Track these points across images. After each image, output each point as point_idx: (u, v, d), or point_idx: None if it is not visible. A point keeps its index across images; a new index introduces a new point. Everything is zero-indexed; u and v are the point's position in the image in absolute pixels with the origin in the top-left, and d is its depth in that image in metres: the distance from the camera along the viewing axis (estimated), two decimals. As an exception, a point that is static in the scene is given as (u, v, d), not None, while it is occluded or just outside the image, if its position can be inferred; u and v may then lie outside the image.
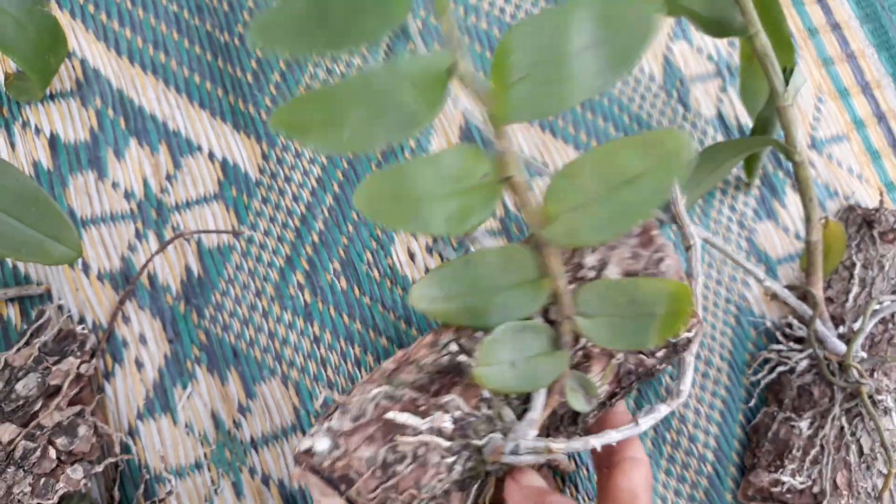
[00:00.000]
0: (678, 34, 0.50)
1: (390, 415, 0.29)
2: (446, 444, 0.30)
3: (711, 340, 0.44)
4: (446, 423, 0.30)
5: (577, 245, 0.34)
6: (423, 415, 0.30)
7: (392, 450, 0.29)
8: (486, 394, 0.32)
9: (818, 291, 0.42)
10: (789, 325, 0.44)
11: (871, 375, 0.41)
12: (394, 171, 0.33)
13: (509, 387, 0.31)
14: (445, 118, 0.44)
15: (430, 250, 0.41)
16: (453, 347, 0.33)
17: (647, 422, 0.32)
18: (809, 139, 0.50)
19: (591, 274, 0.35)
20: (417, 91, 0.32)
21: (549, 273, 0.32)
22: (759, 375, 0.43)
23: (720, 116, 0.49)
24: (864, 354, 0.41)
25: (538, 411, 0.31)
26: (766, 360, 0.43)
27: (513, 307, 0.32)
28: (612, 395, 0.35)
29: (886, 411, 0.40)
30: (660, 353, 0.35)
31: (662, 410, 0.33)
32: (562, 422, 0.34)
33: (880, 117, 0.51)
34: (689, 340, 0.35)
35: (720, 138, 0.49)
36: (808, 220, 0.42)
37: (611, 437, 0.31)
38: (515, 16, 0.47)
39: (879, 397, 0.40)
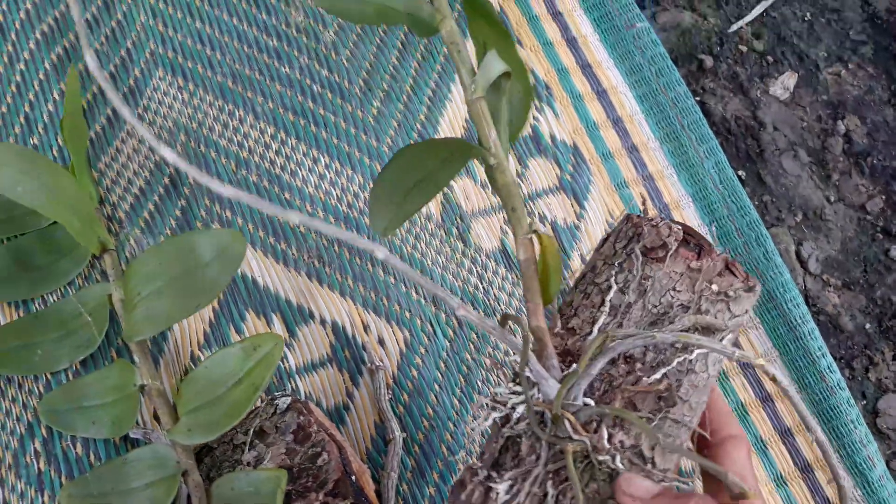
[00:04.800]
0: (462, 172, 0.52)
1: None
2: None
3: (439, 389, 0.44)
4: None
5: (201, 441, 0.38)
6: None
7: None
8: None
9: (537, 321, 0.34)
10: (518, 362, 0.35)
11: (595, 429, 0.32)
12: (69, 385, 0.41)
13: None
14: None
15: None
16: None
17: None
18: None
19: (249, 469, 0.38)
20: (91, 317, 0.41)
21: (182, 468, 0.37)
22: (476, 423, 0.35)
23: (503, 249, 0.50)
24: (591, 402, 0.32)
25: None
26: (485, 406, 0.35)
27: (152, 500, 0.37)
28: None
29: (612, 476, 0.31)
30: None
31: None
32: None
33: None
34: None
35: (502, 271, 0.49)
36: (514, 234, 0.35)
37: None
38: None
39: (602, 457, 0.31)
